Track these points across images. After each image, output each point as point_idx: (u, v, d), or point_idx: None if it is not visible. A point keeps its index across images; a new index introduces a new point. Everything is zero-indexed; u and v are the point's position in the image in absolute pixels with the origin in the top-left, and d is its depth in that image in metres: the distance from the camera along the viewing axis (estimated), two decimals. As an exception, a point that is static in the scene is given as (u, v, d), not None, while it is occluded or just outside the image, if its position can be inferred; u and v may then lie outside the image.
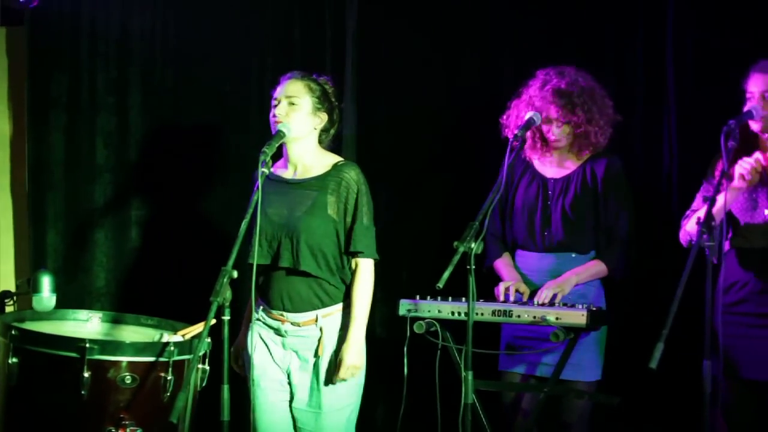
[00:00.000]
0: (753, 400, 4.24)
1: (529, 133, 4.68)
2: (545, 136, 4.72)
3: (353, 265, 4.31)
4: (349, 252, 4.29)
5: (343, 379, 4.23)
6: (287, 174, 4.37)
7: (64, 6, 5.74)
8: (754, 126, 4.21)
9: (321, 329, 4.27)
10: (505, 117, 4.79)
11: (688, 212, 4.39)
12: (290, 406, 4.34)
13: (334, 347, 4.28)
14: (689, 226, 4.32)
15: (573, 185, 4.71)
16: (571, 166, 4.76)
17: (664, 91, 5.15)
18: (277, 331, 4.29)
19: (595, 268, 4.66)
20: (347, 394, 4.31)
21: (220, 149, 5.64)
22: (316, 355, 4.27)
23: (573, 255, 4.69)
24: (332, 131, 4.42)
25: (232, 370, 4.25)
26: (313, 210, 4.27)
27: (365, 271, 4.31)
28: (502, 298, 4.60)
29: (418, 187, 5.54)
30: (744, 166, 4.09)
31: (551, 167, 4.80)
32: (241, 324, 4.42)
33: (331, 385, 4.27)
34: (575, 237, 4.68)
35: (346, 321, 4.29)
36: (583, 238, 4.69)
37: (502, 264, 4.80)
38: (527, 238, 4.76)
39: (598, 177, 4.70)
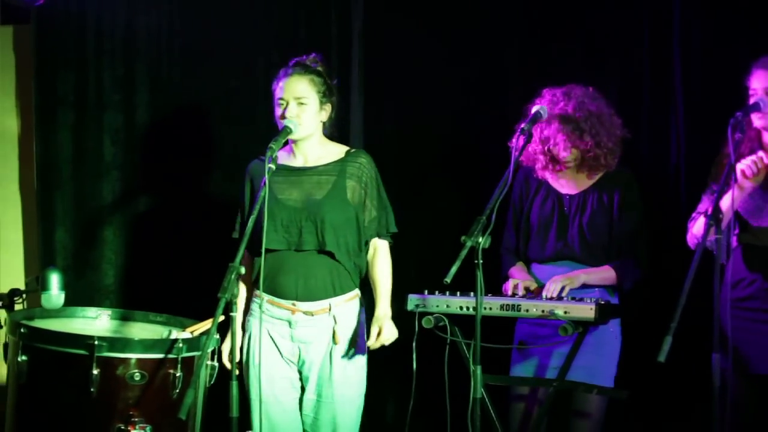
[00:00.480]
0: (761, 395, 4.23)
1: (541, 156, 4.66)
2: (556, 157, 4.70)
3: (372, 249, 4.39)
4: (384, 234, 4.40)
5: (381, 344, 4.27)
6: (296, 162, 4.40)
7: (70, 4, 5.75)
8: (757, 122, 4.19)
9: (335, 318, 4.29)
10: (513, 140, 4.76)
11: (694, 214, 4.37)
12: (300, 400, 4.35)
13: (349, 336, 4.31)
14: (696, 229, 4.30)
15: (590, 203, 4.70)
16: (586, 182, 4.74)
17: (671, 86, 5.14)
18: (287, 323, 4.30)
19: (606, 273, 4.65)
20: (357, 385, 4.35)
21: (227, 145, 5.65)
22: (333, 342, 4.28)
23: (586, 267, 4.68)
24: (333, 116, 4.45)
25: (240, 366, 4.26)
26: (334, 193, 4.31)
27: (387, 251, 4.43)
28: (510, 293, 4.60)
29: (425, 183, 5.55)
30: (746, 162, 4.09)
31: (566, 183, 4.77)
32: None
33: (343, 377, 4.30)
34: (590, 254, 4.67)
35: (357, 309, 4.34)
36: (597, 255, 4.67)
37: (516, 270, 4.81)
38: (540, 251, 4.75)
39: (615, 198, 4.68)
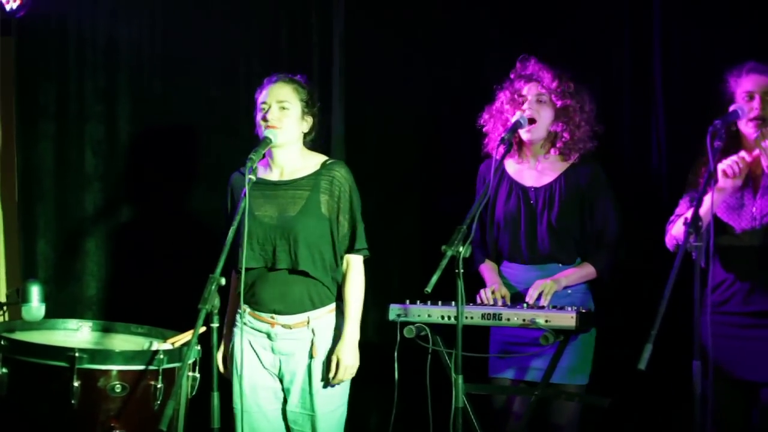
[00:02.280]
0: (739, 399, 4.24)
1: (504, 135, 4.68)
2: (521, 137, 4.72)
3: (345, 264, 4.35)
4: (352, 250, 4.33)
5: (341, 380, 4.25)
6: (272, 176, 4.38)
7: (51, 15, 5.73)
8: (740, 126, 4.22)
9: (313, 331, 4.28)
10: (485, 116, 4.80)
11: (672, 217, 4.39)
12: (283, 410, 4.35)
13: (327, 348, 4.30)
14: (675, 231, 4.32)
15: (557, 196, 4.70)
16: (551, 174, 4.74)
17: (652, 88, 5.16)
18: (266, 336, 4.29)
19: (584, 270, 4.67)
20: (340, 396, 4.34)
21: (209, 155, 5.65)
22: (310, 356, 4.27)
23: (559, 266, 4.69)
24: (314, 134, 4.43)
25: (222, 378, 4.26)
26: (307, 210, 4.28)
27: (359, 269, 4.37)
28: (485, 302, 4.61)
29: (407, 190, 5.56)
30: (727, 162, 4.11)
31: (530, 175, 4.77)
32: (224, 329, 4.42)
33: (324, 388, 4.29)
34: (561, 249, 4.69)
35: (337, 322, 4.33)
36: (569, 250, 4.69)
37: (486, 269, 4.82)
38: (513, 252, 4.75)
39: (582, 185, 4.69)
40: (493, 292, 4.64)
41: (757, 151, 4.16)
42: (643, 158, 5.19)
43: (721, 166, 4.10)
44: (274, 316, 4.27)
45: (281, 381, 4.33)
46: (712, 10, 5.05)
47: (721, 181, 4.10)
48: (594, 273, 4.66)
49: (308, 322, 4.27)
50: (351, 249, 4.35)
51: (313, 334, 4.28)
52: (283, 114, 4.29)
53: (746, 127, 4.22)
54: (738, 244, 4.23)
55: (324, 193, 4.31)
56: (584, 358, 4.62)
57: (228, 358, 4.38)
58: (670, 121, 5.11)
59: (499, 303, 4.60)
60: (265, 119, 4.28)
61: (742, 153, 4.15)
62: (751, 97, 4.24)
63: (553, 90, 4.64)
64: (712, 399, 4.10)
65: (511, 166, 4.81)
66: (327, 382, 4.28)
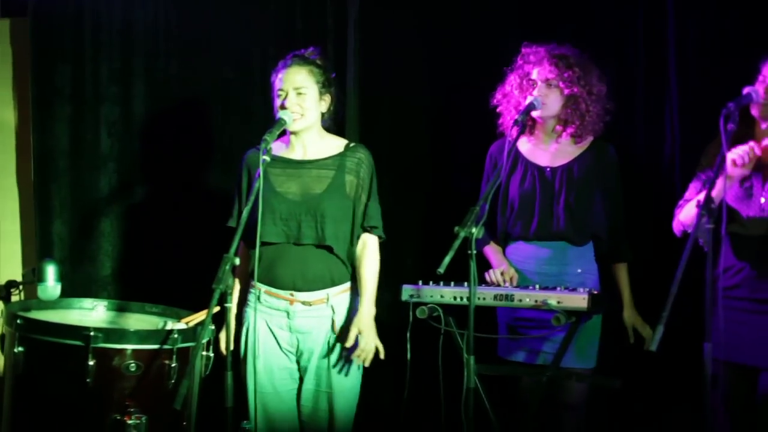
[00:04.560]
0: (744, 384, 4.24)
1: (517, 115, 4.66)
2: (533, 117, 4.73)
3: (361, 243, 4.40)
4: (370, 230, 4.39)
5: (361, 357, 4.29)
6: (294, 155, 4.41)
7: (67, -3, 5.77)
8: (754, 110, 4.21)
9: (333, 308, 4.32)
10: (498, 96, 4.82)
11: (680, 202, 4.38)
12: (298, 390, 4.38)
13: (343, 326, 4.34)
14: (683, 216, 4.31)
15: (576, 177, 4.70)
16: (568, 155, 4.74)
17: (666, 73, 5.14)
18: (285, 314, 4.32)
19: (625, 273, 4.74)
20: (355, 374, 4.39)
21: (223, 137, 5.67)
22: (329, 333, 4.31)
23: (570, 246, 4.70)
24: (332, 110, 4.47)
25: (236, 357, 4.29)
26: (333, 188, 4.34)
27: (375, 247, 4.42)
28: (495, 283, 4.63)
29: (420, 172, 5.56)
30: (737, 152, 4.10)
31: (545, 155, 4.78)
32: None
33: (341, 366, 4.33)
34: (576, 230, 4.68)
35: (353, 300, 4.37)
36: (582, 231, 4.69)
37: (491, 251, 4.82)
38: (524, 230, 4.74)
39: (598, 168, 4.69)
40: (502, 274, 4.65)
41: (766, 141, 4.15)
42: (656, 146, 5.18)
43: (731, 155, 4.09)
44: (293, 293, 4.30)
45: (299, 360, 4.36)
46: (726, -1, 5.06)
47: (730, 169, 4.09)
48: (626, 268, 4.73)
49: (327, 299, 4.31)
50: (370, 228, 4.40)
51: (333, 312, 4.32)
52: (301, 100, 4.33)
53: (754, 111, 4.20)
54: (744, 233, 4.21)
55: (350, 174, 4.37)
56: (591, 342, 4.63)
57: (237, 339, 4.39)
58: (683, 109, 5.09)
59: (508, 284, 4.61)
60: (283, 107, 4.31)
61: (752, 143, 4.14)
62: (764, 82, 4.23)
63: (560, 76, 4.64)
64: (724, 381, 4.13)
65: (525, 147, 4.82)
66: (344, 360, 4.32)
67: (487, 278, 4.67)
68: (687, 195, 4.37)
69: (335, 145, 4.44)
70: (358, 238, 4.40)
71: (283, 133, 4.36)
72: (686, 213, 4.29)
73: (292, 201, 4.32)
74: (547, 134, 4.77)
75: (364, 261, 4.39)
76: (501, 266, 4.71)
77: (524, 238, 4.76)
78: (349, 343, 4.29)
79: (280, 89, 4.35)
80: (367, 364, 4.34)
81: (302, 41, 5.49)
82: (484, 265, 4.75)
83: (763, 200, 4.19)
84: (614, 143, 4.78)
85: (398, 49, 5.53)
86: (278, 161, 4.25)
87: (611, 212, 4.70)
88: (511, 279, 4.66)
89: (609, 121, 4.76)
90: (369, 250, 4.41)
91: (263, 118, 4.54)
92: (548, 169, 4.74)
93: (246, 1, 5.69)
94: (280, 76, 4.36)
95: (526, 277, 4.70)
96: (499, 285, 4.61)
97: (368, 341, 4.30)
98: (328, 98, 4.41)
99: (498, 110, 4.83)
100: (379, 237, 4.43)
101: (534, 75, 4.70)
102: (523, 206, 4.75)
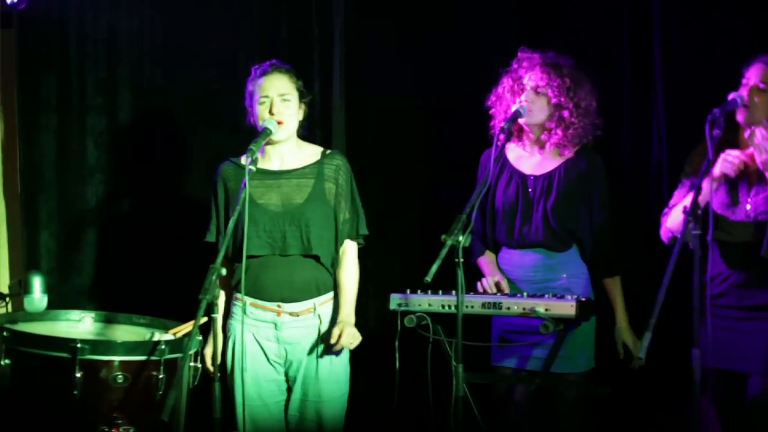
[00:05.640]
0: (733, 390, 4.24)
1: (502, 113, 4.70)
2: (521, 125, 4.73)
3: (342, 250, 4.41)
4: (354, 236, 4.41)
5: (345, 344, 4.28)
6: (271, 165, 4.41)
7: (52, 8, 5.72)
8: (739, 116, 4.21)
9: (320, 317, 4.33)
10: (492, 98, 4.82)
11: (666, 209, 4.39)
12: (286, 401, 4.37)
13: (329, 335, 4.33)
14: (669, 222, 4.32)
15: (555, 186, 4.70)
16: (552, 164, 4.74)
17: (652, 84, 5.16)
18: (273, 325, 4.31)
19: (618, 287, 4.71)
20: (344, 384, 4.39)
21: (210, 147, 5.65)
22: (316, 343, 4.31)
23: (552, 253, 4.70)
24: (305, 119, 4.48)
25: (223, 367, 4.28)
26: (314, 197, 4.34)
27: (355, 253, 4.45)
28: (488, 291, 4.62)
29: (408, 180, 5.57)
30: (730, 159, 4.10)
31: (530, 163, 4.78)
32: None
33: (328, 374, 4.34)
34: (555, 238, 4.68)
35: (336, 308, 4.37)
36: (562, 239, 4.69)
37: (485, 261, 4.83)
38: (507, 236, 4.75)
39: (582, 176, 4.68)
40: (496, 284, 4.65)
41: (750, 149, 4.16)
42: (643, 152, 5.19)
43: (719, 166, 4.10)
44: (281, 304, 4.30)
45: (287, 371, 4.35)
46: (712, 5, 5.05)
47: (717, 175, 4.10)
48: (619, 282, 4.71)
49: (315, 309, 4.31)
50: (354, 235, 4.42)
51: (320, 321, 4.33)
52: (286, 106, 4.34)
53: (739, 116, 4.21)
54: (731, 240, 4.21)
55: (329, 181, 4.37)
56: (585, 347, 4.63)
57: (224, 352, 4.37)
58: (670, 115, 5.11)
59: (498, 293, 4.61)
60: (272, 113, 4.30)
61: (737, 152, 4.15)
62: (758, 89, 4.21)
63: (549, 85, 4.64)
64: (713, 387, 4.13)
65: (512, 154, 4.82)
66: (332, 369, 4.33)
67: (479, 288, 4.66)
68: (672, 201, 4.38)
69: (311, 153, 4.44)
70: (341, 244, 4.40)
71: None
72: (672, 219, 4.30)
73: (274, 212, 4.31)
74: (532, 142, 4.77)
75: (345, 267, 4.41)
76: (494, 275, 4.70)
77: (508, 245, 4.77)
78: (332, 339, 4.27)
79: (264, 96, 4.34)
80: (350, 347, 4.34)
81: (288, 50, 5.53)
82: (476, 274, 4.74)
83: (748, 206, 4.20)
84: (601, 151, 4.78)
85: (384, 57, 5.54)
86: (256, 172, 4.23)
87: (599, 224, 4.69)
88: (502, 288, 4.65)
89: (598, 135, 4.76)
90: (349, 256, 4.43)
91: (249, 127, 4.53)
92: (531, 177, 4.75)
93: (231, 10, 5.68)
94: (260, 83, 4.36)
95: (514, 285, 4.70)
96: (492, 293, 4.60)
97: (349, 336, 4.28)
98: (304, 107, 4.42)
99: (491, 112, 4.82)
100: (359, 243, 4.44)
101: (525, 80, 4.71)
102: (505, 213, 4.76)
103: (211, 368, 4.12)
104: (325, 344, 4.32)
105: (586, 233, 4.69)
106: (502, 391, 4.78)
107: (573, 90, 4.66)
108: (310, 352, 4.33)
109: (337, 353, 4.33)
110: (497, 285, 4.64)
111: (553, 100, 4.64)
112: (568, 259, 4.71)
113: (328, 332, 4.33)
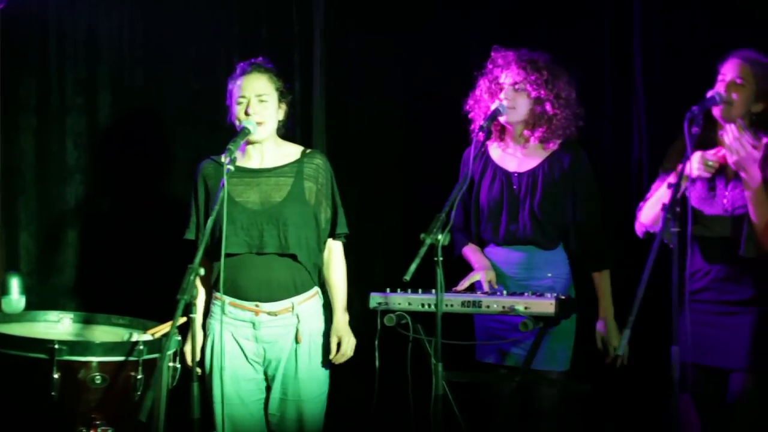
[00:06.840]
0: (715, 386, 4.24)
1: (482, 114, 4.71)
2: (503, 123, 4.73)
3: (327, 250, 4.43)
4: (335, 235, 4.42)
5: (344, 356, 4.36)
6: (251, 164, 4.41)
7: (31, 8, 5.69)
8: (716, 112, 4.22)
9: (298, 316, 4.31)
10: (470, 102, 4.82)
11: (640, 203, 4.40)
12: (266, 400, 4.36)
13: (312, 334, 4.34)
14: (643, 217, 4.32)
15: (540, 182, 4.70)
16: (535, 160, 4.74)
17: (632, 79, 5.17)
18: (251, 324, 4.30)
19: (607, 281, 4.71)
20: (323, 382, 4.40)
21: (190, 147, 5.63)
22: (296, 342, 4.30)
23: (539, 250, 4.70)
24: (286, 119, 4.48)
25: (202, 368, 4.27)
26: (293, 196, 4.34)
27: (341, 252, 4.49)
28: (486, 290, 4.61)
29: (389, 180, 5.58)
30: (708, 159, 4.12)
31: (514, 160, 4.78)
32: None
33: (308, 374, 4.34)
34: (542, 235, 4.69)
35: (318, 306, 4.39)
36: (550, 235, 4.69)
37: (471, 251, 4.82)
38: (493, 234, 4.75)
39: (566, 171, 4.69)
40: (489, 281, 4.65)
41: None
42: (624, 149, 5.20)
43: (696, 170, 4.11)
44: (258, 304, 4.29)
45: (266, 370, 4.35)
46: (692, 2, 5.07)
47: (695, 172, 4.11)
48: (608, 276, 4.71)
49: (293, 308, 4.30)
50: (333, 234, 4.43)
51: (298, 320, 4.31)
52: (263, 107, 4.34)
53: (716, 112, 4.22)
54: (709, 235, 4.22)
55: (308, 180, 4.37)
56: (565, 345, 4.64)
57: (203, 350, 4.37)
58: (651, 113, 5.12)
59: (493, 286, 4.61)
60: (247, 114, 4.29)
61: (713, 152, 4.16)
62: (734, 84, 4.22)
63: (527, 80, 4.64)
64: (695, 384, 4.14)
65: (496, 152, 4.82)
66: (312, 368, 4.33)
67: (460, 287, 4.65)
68: (648, 195, 4.38)
69: (292, 152, 4.44)
70: (324, 244, 4.40)
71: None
72: (646, 214, 4.30)
73: (252, 210, 4.31)
74: (515, 139, 4.77)
75: (333, 268, 4.45)
76: (483, 269, 4.69)
77: (495, 242, 4.77)
78: (332, 355, 4.33)
79: (242, 96, 4.35)
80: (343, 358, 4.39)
81: (268, 50, 5.48)
82: (456, 272, 4.73)
83: (725, 201, 4.21)
84: (583, 144, 4.79)
85: (364, 57, 5.55)
86: (235, 170, 4.22)
87: (586, 218, 4.69)
88: (491, 282, 4.65)
89: (581, 126, 4.76)
90: (336, 256, 4.46)
91: (229, 127, 4.52)
92: (515, 174, 4.74)
93: (212, 10, 5.67)
94: (239, 83, 4.36)
95: (504, 275, 4.70)
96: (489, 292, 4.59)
97: (349, 346, 4.37)
98: (284, 107, 4.42)
99: (470, 116, 4.83)
100: (342, 242, 4.46)
101: (502, 79, 4.71)
102: (491, 212, 4.75)
103: (190, 364, 4.12)
104: (305, 343, 4.31)
105: (574, 228, 4.69)
106: (487, 389, 4.78)
107: (551, 82, 4.66)
108: (289, 351, 4.32)
109: (317, 352, 4.32)
110: (489, 281, 4.64)
111: (533, 94, 4.64)
112: (554, 258, 4.71)
113: (315, 332, 4.34)
